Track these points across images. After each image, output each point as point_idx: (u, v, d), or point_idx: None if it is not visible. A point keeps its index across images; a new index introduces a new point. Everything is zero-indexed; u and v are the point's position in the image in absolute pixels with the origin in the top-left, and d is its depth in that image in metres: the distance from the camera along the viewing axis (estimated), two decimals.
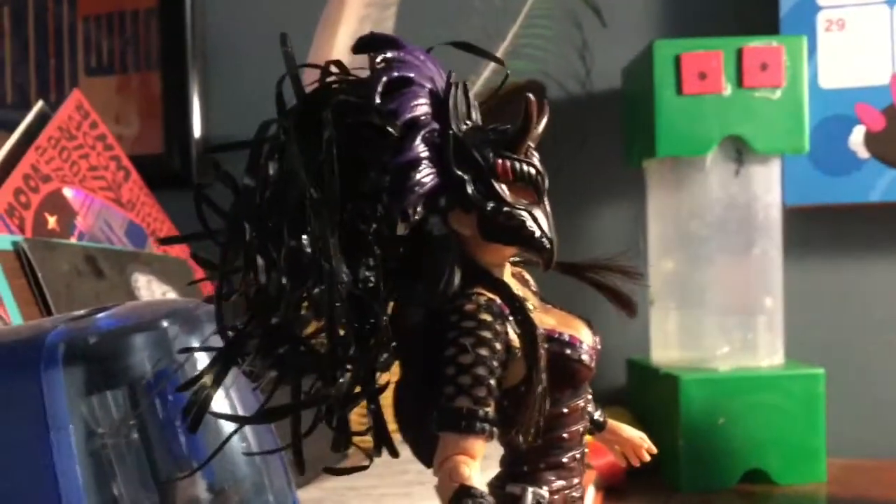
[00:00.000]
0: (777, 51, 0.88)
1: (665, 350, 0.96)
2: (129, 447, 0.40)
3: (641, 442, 0.41)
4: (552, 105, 1.14)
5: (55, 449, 0.37)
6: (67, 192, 0.82)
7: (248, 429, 0.42)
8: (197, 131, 1.20)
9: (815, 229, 1.02)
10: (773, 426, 0.86)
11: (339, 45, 0.89)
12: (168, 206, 0.98)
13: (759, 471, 0.87)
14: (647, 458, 0.41)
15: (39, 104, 0.87)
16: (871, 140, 0.98)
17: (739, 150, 0.90)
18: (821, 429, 0.87)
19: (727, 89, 0.88)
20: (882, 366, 1.01)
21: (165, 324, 0.39)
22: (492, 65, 0.98)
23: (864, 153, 0.98)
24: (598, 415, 0.40)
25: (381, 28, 0.93)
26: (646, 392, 0.97)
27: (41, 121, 0.85)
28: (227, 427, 0.42)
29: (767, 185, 0.92)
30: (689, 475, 0.86)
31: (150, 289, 0.79)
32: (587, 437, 0.51)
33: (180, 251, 0.91)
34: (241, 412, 0.45)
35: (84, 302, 0.65)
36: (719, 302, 0.92)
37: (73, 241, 0.78)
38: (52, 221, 0.78)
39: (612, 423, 0.41)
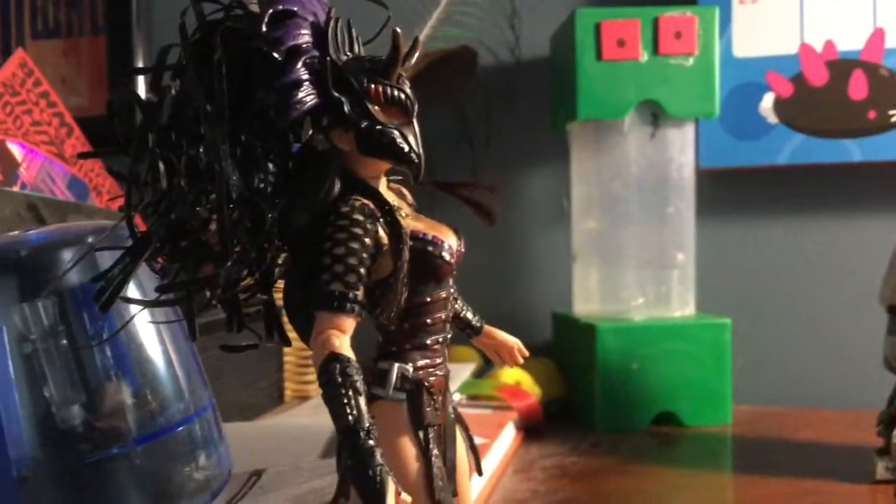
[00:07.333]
0: (691, 20, 0.94)
1: (586, 303, 1.02)
2: (59, 352, 0.44)
3: (514, 344, 0.46)
4: (483, 71, 1.18)
5: None
6: (11, 145, 0.85)
7: (167, 338, 0.47)
8: (142, 94, 1.22)
9: (726, 190, 1.08)
10: (683, 372, 0.92)
11: None
12: (113, 165, 1.01)
13: (669, 413, 0.93)
14: (520, 360, 0.46)
15: None
16: (780, 106, 1.04)
17: (655, 114, 0.96)
18: (727, 375, 0.93)
19: (644, 56, 0.94)
20: (786, 318, 1.08)
21: (91, 239, 0.44)
22: (424, 31, 1.02)
23: (773, 118, 1.04)
24: (475, 320, 0.46)
25: None
26: (568, 342, 1.03)
27: None
28: (147, 339, 0.47)
29: (682, 148, 0.98)
30: (605, 416, 0.92)
31: None
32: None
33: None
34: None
35: None
36: (636, 257, 0.98)
37: (15, 189, 0.82)
38: None
39: (487, 327, 0.46)
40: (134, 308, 0.39)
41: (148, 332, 0.47)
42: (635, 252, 0.98)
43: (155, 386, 0.46)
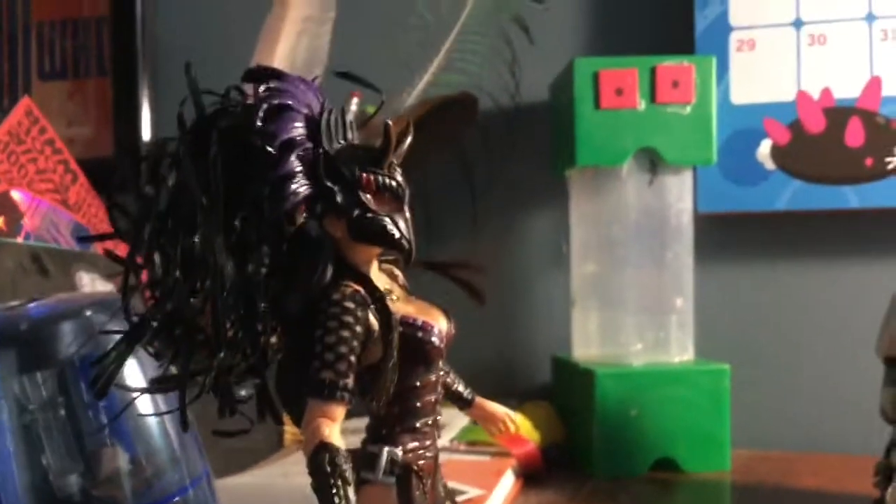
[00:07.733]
0: (688, 69, 0.95)
1: (586, 347, 1.02)
2: (57, 422, 0.45)
3: (505, 416, 0.47)
4: (484, 116, 1.20)
5: None
6: (15, 195, 0.86)
7: (164, 409, 0.47)
8: (146, 136, 1.24)
9: (724, 235, 1.09)
10: (682, 418, 0.92)
11: (278, 57, 0.94)
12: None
13: (668, 459, 0.93)
14: (512, 428, 0.47)
15: None
16: (777, 153, 1.05)
17: (653, 161, 0.97)
18: (726, 420, 0.93)
19: (641, 105, 0.94)
20: (784, 363, 1.08)
21: (89, 312, 0.44)
22: (425, 78, 1.04)
23: (770, 165, 1.05)
24: (466, 393, 0.46)
25: (318, 42, 0.97)
26: (567, 387, 1.03)
27: None
28: (144, 408, 0.48)
29: (679, 194, 0.99)
30: (604, 463, 0.92)
31: (95, 287, 0.84)
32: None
33: (125, 251, 0.95)
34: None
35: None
36: (635, 302, 0.98)
37: (18, 240, 0.83)
38: None
39: (479, 399, 0.47)
40: (132, 383, 0.39)
41: (145, 400, 0.47)
42: (634, 297, 0.98)
43: (151, 454, 0.47)
